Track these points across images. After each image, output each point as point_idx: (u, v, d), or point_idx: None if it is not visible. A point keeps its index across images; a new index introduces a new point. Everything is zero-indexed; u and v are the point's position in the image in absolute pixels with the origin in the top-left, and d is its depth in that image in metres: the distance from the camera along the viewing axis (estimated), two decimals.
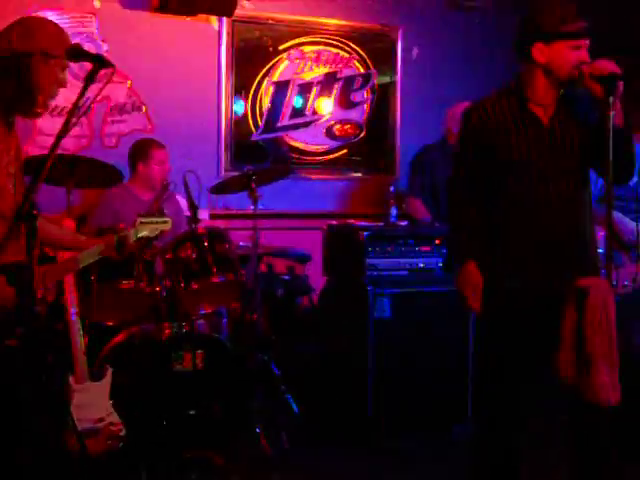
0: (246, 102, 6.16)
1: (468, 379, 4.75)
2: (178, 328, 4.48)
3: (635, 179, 3.77)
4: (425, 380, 4.76)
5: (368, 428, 4.70)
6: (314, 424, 4.90)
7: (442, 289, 4.79)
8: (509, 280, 3.34)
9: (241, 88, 6.14)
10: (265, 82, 6.20)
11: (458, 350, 4.77)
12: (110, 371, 4.13)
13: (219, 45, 6.04)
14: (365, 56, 6.47)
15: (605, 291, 3.09)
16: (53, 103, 5.41)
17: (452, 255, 3.69)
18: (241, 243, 5.28)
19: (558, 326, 3.18)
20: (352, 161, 6.51)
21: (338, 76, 6.40)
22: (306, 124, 6.35)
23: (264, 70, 6.19)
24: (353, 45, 6.43)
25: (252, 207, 4.90)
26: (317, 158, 6.40)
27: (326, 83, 6.36)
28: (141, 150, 5.27)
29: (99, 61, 2.72)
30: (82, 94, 2.64)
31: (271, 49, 6.21)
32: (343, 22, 6.39)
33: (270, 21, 6.18)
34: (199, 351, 4.41)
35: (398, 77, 6.60)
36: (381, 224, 4.96)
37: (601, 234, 3.53)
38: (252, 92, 6.15)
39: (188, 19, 5.89)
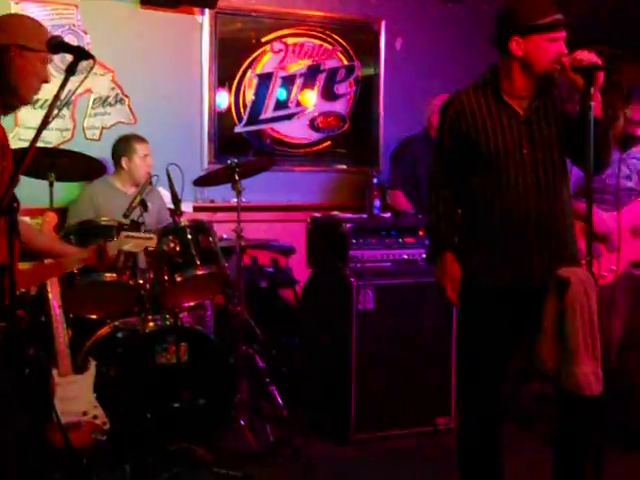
0: (229, 94, 6.14)
1: (452, 371, 4.76)
2: (162, 321, 4.49)
3: (609, 171, 3.78)
4: (409, 372, 4.76)
5: (352, 420, 4.70)
6: (298, 416, 4.91)
7: (426, 280, 4.77)
8: (486, 273, 3.35)
9: (224, 80, 6.12)
10: (248, 74, 6.18)
11: (442, 341, 4.78)
12: (94, 364, 4.13)
13: (202, 37, 6.02)
14: (348, 48, 6.46)
15: (586, 281, 3.10)
16: (35, 96, 5.50)
17: (430, 247, 3.68)
18: (225, 235, 5.27)
19: (538, 317, 3.19)
20: (336, 153, 6.51)
21: (321, 68, 6.39)
22: (290, 116, 6.34)
23: (247, 62, 6.17)
24: (336, 37, 6.42)
25: (235, 199, 4.90)
26: (301, 150, 6.39)
27: (309, 75, 6.36)
28: (124, 145, 5.27)
29: (79, 53, 2.71)
30: (63, 86, 2.63)
31: (254, 41, 6.19)
32: (326, 14, 6.38)
33: (253, 13, 6.17)
34: (183, 344, 4.41)
35: (381, 69, 6.59)
36: (364, 216, 4.96)
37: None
38: (235, 84, 6.14)
39: (171, 11, 5.87)
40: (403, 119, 6.39)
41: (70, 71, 2.65)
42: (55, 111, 2.65)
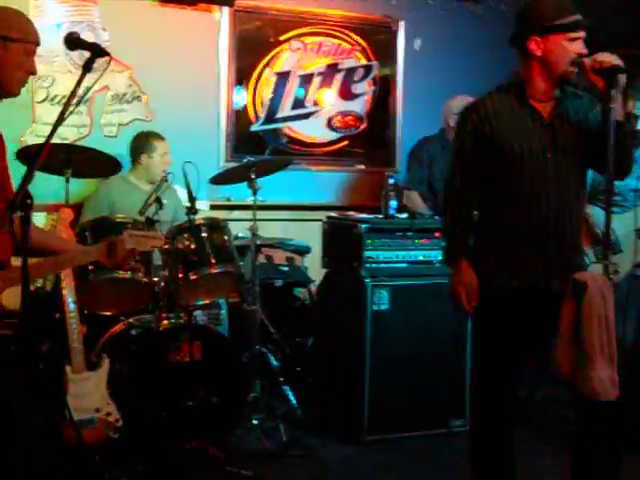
0: (247, 93, 6.13)
1: (466, 373, 4.73)
2: (176, 319, 4.48)
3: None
4: (422, 373, 4.74)
5: (365, 421, 4.68)
6: (311, 416, 4.89)
7: (441, 282, 4.75)
8: (503, 274, 3.33)
9: (242, 78, 6.11)
10: (266, 73, 6.17)
11: (457, 343, 4.75)
12: (107, 361, 4.12)
13: (220, 35, 6.01)
14: (367, 47, 6.44)
15: (603, 285, 3.06)
16: (53, 92, 5.51)
17: (446, 251, 3.64)
18: (240, 234, 5.27)
19: (555, 321, 3.17)
20: (352, 153, 6.49)
21: (339, 67, 6.37)
22: (307, 115, 6.32)
23: (265, 60, 6.16)
24: (355, 36, 6.40)
25: (252, 198, 4.89)
26: (317, 149, 6.38)
27: (327, 74, 6.34)
28: (144, 142, 5.27)
29: (95, 50, 2.71)
30: (79, 83, 2.62)
31: (272, 39, 6.18)
32: (345, 13, 6.36)
33: (271, 11, 6.16)
34: (197, 342, 4.39)
35: (400, 69, 6.57)
36: (380, 216, 4.94)
37: None
38: (253, 83, 6.13)
39: (189, 9, 5.87)
40: (421, 119, 6.36)
41: (86, 68, 2.65)
42: (71, 108, 2.64)
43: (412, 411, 4.74)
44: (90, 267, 4.31)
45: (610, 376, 3.06)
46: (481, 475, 3.49)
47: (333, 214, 5.19)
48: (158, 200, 4.52)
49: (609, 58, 3.09)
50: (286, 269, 5.73)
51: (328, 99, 6.36)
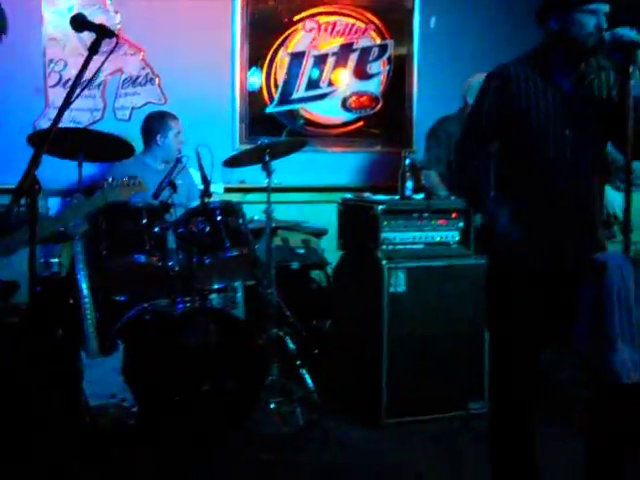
0: (261, 74, 6.08)
1: (485, 354, 4.68)
2: (191, 303, 4.44)
3: None
4: (440, 355, 4.70)
5: (383, 403, 4.64)
6: (329, 400, 4.86)
7: (458, 263, 4.73)
8: (520, 252, 3.28)
9: (256, 60, 6.06)
10: (280, 53, 6.12)
11: (475, 324, 4.69)
12: (122, 346, 4.09)
13: (233, 16, 5.95)
14: (381, 26, 6.36)
15: (623, 265, 3.01)
16: (66, 76, 5.48)
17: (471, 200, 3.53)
18: (255, 217, 5.23)
19: (573, 302, 3.12)
20: (368, 133, 6.43)
21: (354, 47, 6.31)
22: (322, 96, 6.27)
23: (279, 41, 6.11)
24: (369, 15, 6.32)
25: (266, 180, 4.85)
26: (332, 130, 6.32)
27: (342, 54, 6.27)
28: (158, 121, 5.25)
29: (102, 31, 2.66)
30: (85, 65, 2.58)
31: (286, 20, 6.12)
32: None
33: None
34: (212, 326, 4.37)
35: (415, 48, 6.49)
36: (396, 197, 4.89)
37: None
38: (267, 64, 6.08)
39: None
40: (437, 99, 6.29)
41: (93, 50, 2.61)
42: (78, 91, 2.60)
43: (430, 393, 4.69)
44: (104, 252, 4.29)
45: (631, 358, 3.02)
46: (501, 458, 3.45)
47: (349, 195, 5.14)
48: (172, 183, 4.49)
49: (629, 33, 3.03)
50: (302, 251, 5.69)
51: (343, 79, 6.29)
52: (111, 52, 2.76)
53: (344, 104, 6.32)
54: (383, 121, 6.47)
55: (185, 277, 4.48)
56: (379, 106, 6.43)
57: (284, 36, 6.12)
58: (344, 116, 6.35)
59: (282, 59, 6.13)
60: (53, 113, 5.42)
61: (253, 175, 5.72)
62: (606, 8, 3.14)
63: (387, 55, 6.42)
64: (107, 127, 5.19)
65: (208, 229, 4.46)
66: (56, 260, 5.03)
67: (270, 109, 6.14)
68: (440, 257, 4.76)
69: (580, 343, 3.10)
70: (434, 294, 4.69)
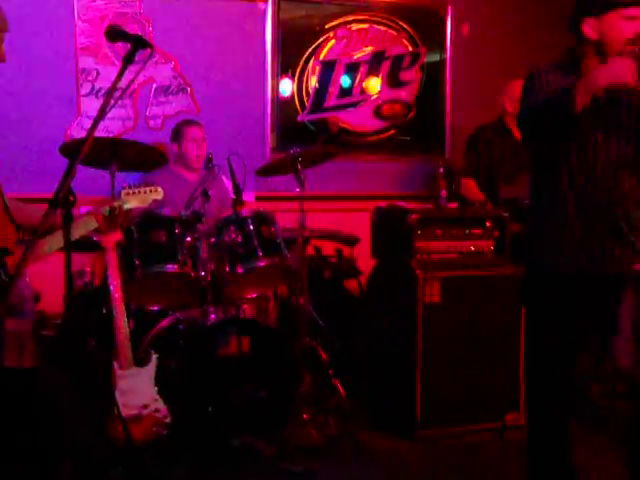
0: (293, 82, 6.07)
1: (521, 365, 4.62)
2: (223, 312, 4.42)
3: None
4: (476, 366, 4.64)
5: (417, 415, 4.59)
6: (362, 411, 4.82)
7: (493, 273, 4.67)
8: (557, 257, 3.23)
9: (287, 68, 6.05)
10: (312, 61, 6.10)
11: (510, 335, 4.65)
12: (155, 357, 4.08)
13: (265, 24, 5.94)
14: (414, 34, 6.34)
15: None
16: (98, 85, 5.49)
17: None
18: (287, 226, 5.20)
19: (612, 307, 3.06)
20: (401, 141, 6.39)
21: (386, 55, 6.28)
22: (354, 104, 6.24)
23: (311, 49, 6.10)
24: (401, 22, 6.30)
25: (299, 189, 4.82)
26: (365, 139, 6.29)
27: (374, 62, 6.25)
28: (175, 130, 5.29)
29: (137, 41, 2.64)
30: (120, 75, 2.56)
31: (318, 28, 6.11)
32: None
33: None
34: (245, 336, 4.34)
35: (448, 55, 6.45)
36: (430, 206, 4.84)
37: None
38: (298, 72, 6.07)
39: None
40: (470, 106, 6.26)
41: (127, 60, 2.59)
42: (112, 101, 2.58)
43: (466, 405, 4.64)
44: (137, 262, 4.28)
45: None
46: (539, 471, 3.40)
47: (382, 204, 5.10)
48: (204, 193, 4.48)
49: None
50: (335, 261, 5.66)
51: (375, 87, 6.26)
52: (146, 62, 2.74)
53: (376, 112, 6.29)
54: (416, 129, 6.43)
55: (217, 287, 4.45)
56: (411, 114, 6.40)
57: (316, 44, 6.11)
58: (376, 124, 6.31)
59: (314, 67, 6.12)
60: (85, 122, 5.46)
61: (285, 183, 5.71)
62: None
63: (419, 63, 6.38)
64: (139, 136, 5.20)
65: (240, 238, 4.43)
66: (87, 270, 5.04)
67: (302, 118, 6.12)
68: (475, 266, 4.71)
69: (620, 356, 3.04)
70: (469, 304, 4.64)
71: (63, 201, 2.46)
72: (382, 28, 6.25)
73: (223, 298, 4.47)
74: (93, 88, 5.54)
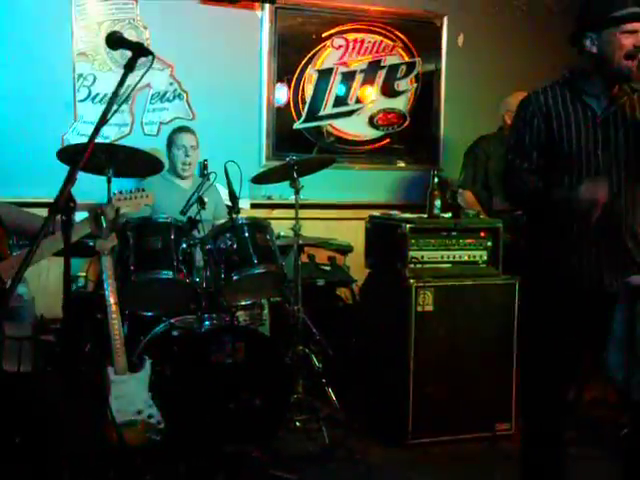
0: (289, 90, 6.09)
1: (513, 375, 4.64)
2: (218, 319, 4.43)
3: None
4: (468, 375, 4.66)
5: (409, 423, 4.60)
6: (355, 419, 4.83)
7: (486, 282, 4.69)
8: (558, 274, 3.26)
9: (283, 76, 6.07)
10: (308, 70, 6.13)
11: (503, 345, 4.67)
12: (149, 363, 4.08)
13: (261, 32, 5.97)
14: (409, 44, 6.37)
15: None
16: (94, 90, 5.50)
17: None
18: (282, 233, 5.22)
19: (606, 325, 3.08)
20: (395, 151, 6.42)
21: (382, 64, 6.31)
22: (349, 113, 6.27)
23: (307, 58, 6.12)
24: (397, 32, 6.33)
25: (294, 197, 4.84)
26: (359, 147, 6.32)
27: (370, 71, 6.28)
28: (168, 137, 5.31)
29: (138, 49, 2.66)
30: (121, 82, 2.58)
31: (314, 36, 6.13)
32: (387, 9, 6.30)
33: (313, 8, 6.11)
34: (239, 343, 4.34)
35: (443, 65, 6.48)
36: (424, 215, 4.86)
37: None
38: (295, 80, 6.09)
39: (231, 6, 5.83)
40: (465, 117, 6.29)
41: (129, 67, 2.60)
42: (114, 107, 2.60)
43: (457, 414, 4.65)
44: (132, 267, 4.29)
45: None
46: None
47: (376, 213, 5.12)
48: (200, 200, 4.49)
49: None
50: (328, 269, 5.67)
51: (370, 96, 6.29)
52: (147, 70, 2.75)
53: (371, 121, 6.31)
54: (410, 138, 6.46)
55: (212, 293, 4.46)
56: (406, 123, 6.43)
57: (312, 53, 6.13)
58: (371, 133, 6.34)
59: (310, 76, 6.14)
60: (81, 127, 5.47)
61: (280, 191, 5.73)
62: None
63: (415, 73, 6.41)
64: (135, 142, 5.20)
65: (236, 246, 4.44)
66: (82, 274, 5.05)
67: (297, 125, 6.14)
68: (468, 276, 4.73)
69: (613, 368, 3.06)
70: (462, 313, 4.65)
71: (63, 206, 2.47)
72: (378, 38, 6.28)
73: (218, 305, 4.48)
74: (90, 93, 5.55)
